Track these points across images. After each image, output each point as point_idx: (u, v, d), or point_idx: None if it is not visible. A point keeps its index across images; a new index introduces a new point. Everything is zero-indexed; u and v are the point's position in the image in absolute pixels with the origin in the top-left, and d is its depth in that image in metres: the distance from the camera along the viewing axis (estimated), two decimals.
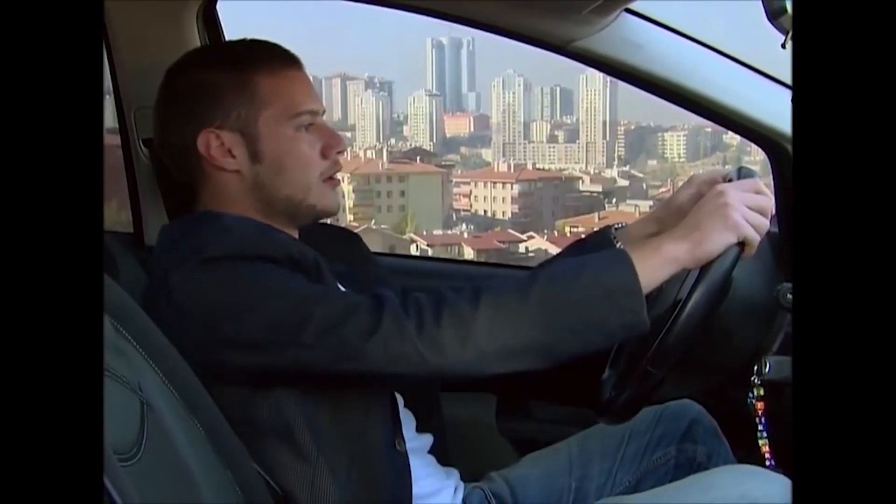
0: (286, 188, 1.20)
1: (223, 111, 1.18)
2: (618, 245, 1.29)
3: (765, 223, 1.09)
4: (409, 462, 1.17)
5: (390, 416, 1.18)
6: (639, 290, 1.04)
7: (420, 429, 1.28)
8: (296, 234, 1.25)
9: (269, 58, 1.22)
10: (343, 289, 1.24)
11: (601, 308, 1.04)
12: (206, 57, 1.31)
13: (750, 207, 1.08)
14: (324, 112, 1.25)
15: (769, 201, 1.10)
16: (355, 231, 1.70)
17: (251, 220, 1.19)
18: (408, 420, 1.25)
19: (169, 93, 1.24)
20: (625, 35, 1.39)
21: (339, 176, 1.26)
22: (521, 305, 1.03)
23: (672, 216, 1.25)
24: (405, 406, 1.26)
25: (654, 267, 1.06)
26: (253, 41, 1.26)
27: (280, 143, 1.19)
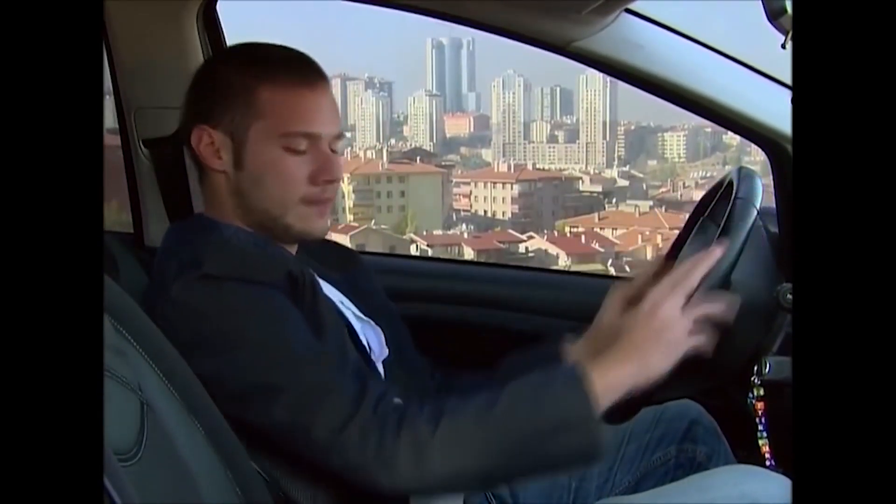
0: (263, 202, 1.18)
1: (220, 111, 1.17)
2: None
3: (716, 314, 1.06)
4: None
5: None
6: (594, 421, 1.01)
7: None
8: (293, 249, 1.24)
9: (281, 70, 1.18)
10: (342, 304, 1.23)
11: (556, 440, 1.02)
12: (231, 55, 1.29)
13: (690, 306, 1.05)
14: (339, 136, 1.21)
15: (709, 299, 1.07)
16: (356, 230, 1.67)
17: (249, 233, 1.18)
18: None
19: (192, 81, 1.24)
20: (625, 35, 1.38)
21: (328, 203, 1.21)
22: (476, 434, 1.02)
23: (602, 339, 1.20)
24: None
25: (602, 394, 1.02)
26: (283, 48, 1.23)
27: (263, 157, 1.16)
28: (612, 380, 1.03)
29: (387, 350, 1.26)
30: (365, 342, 1.23)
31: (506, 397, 1.04)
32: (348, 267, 1.32)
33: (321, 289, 1.17)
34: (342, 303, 1.23)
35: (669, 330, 1.04)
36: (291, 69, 1.18)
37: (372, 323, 1.26)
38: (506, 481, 1.05)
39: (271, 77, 1.17)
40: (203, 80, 1.22)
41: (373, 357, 1.23)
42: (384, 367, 1.26)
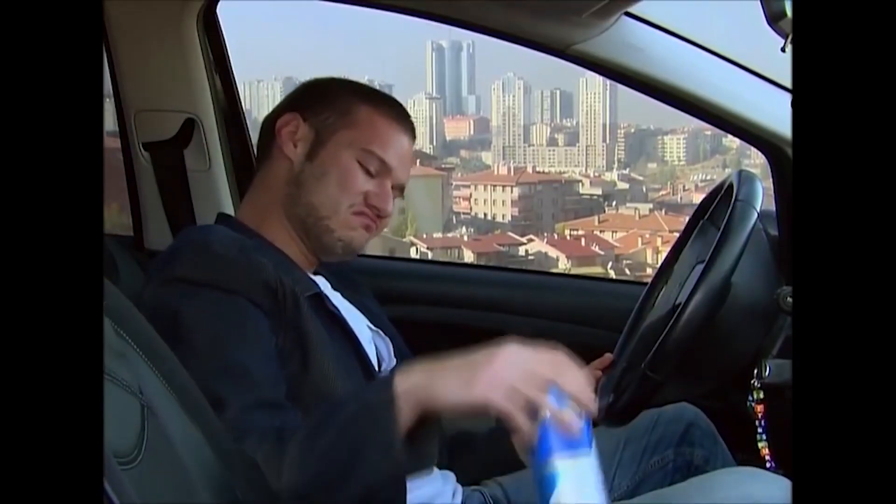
0: (317, 196, 1.23)
1: (317, 108, 1.26)
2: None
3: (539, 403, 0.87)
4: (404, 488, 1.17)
5: None
6: (399, 449, 0.90)
7: None
8: (311, 262, 1.27)
9: (386, 104, 1.29)
10: (352, 315, 1.25)
11: (357, 458, 0.92)
12: (349, 80, 1.37)
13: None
14: (401, 189, 1.29)
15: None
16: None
17: (236, 237, 1.19)
18: None
19: (305, 82, 1.35)
20: (625, 38, 1.39)
21: (371, 232, 1.26)
22: (297, 451, 0.96)
23: None
24: None
25: (403, 395, 0.91)
26: (400, 105, 1.32)
27: (336, 158, 1.24)
28: (410, 384, 0.91)
29: (395, 360, 1.30)
30: (374, 351, 1.26)
31: (330, 412, 0.98)
32: (356, 289, 1.36)
33: (303, 299, 1.15)
34: (353, 314, 1.25)
35: (509, 379, 0.89)
36: (394, 109, 1.29)
37: (382, 333, 1.30)
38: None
39: (376, 103, 1.28)
40: (314, 83, 1.33)
41: (382, 366, 1.27)
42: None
